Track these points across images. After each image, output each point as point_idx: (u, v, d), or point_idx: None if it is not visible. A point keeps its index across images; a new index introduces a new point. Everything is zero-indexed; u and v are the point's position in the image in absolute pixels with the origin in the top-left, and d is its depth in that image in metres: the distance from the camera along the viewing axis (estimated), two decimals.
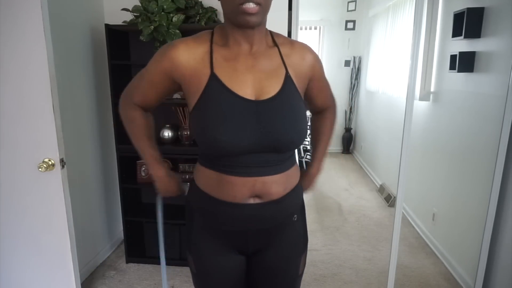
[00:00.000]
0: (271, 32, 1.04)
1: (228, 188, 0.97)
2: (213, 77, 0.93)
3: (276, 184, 0.99)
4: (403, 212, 2.15)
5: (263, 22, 0.95)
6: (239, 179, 0.96)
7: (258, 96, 0.94)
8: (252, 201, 0.99)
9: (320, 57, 1.09)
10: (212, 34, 0.99)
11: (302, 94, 1.03)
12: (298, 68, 1.01)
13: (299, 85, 1.01)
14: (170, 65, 0.96)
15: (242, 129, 0.91)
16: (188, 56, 0.95)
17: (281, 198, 1.01)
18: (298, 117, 0.97)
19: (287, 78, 0.98)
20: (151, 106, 1.09)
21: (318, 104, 1.18)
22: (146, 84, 1.03)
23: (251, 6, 0.87)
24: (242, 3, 0.87)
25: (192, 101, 0.95)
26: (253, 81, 0.95)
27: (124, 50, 2.45)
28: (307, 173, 1.25)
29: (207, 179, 1.01)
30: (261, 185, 0.97)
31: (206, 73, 0.94)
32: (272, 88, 0.95)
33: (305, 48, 1.05)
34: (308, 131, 1.83)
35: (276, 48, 1.01)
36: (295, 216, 1.09)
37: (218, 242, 1.06)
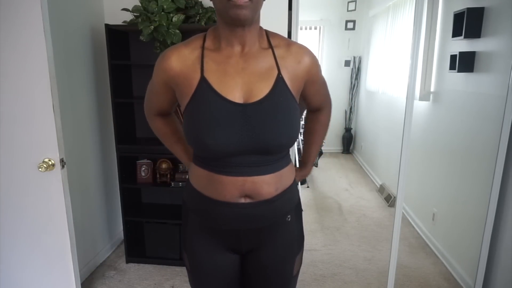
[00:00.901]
0: (267, 32, 1.02)
1: (218, 187, 0.98)
2: (203, 81, 0.94)
3: (267, 185, 0.99)
4: (403, 212, 2.15)
5: (254, 20, 0.94)
6: (228, 178, 0.97)
7: (247, 99, 0.94)
8: (243, 200, 0.99)
9: (320, 57, 1.10)
10: (205, 37, 1.00)
11: (297, 96, 1.01)
12: (293, 70, 0.99)
13: (294, 87, 0.99)
14: (166, 77, 1.00)
15: (230, 132, 0.92)
16: (180, 64, 0.97)
17: (273, 198, 1.01)
18: (288, 119, 0.96)
19: (279, 79, 0.96)
20: (170, 110, 1.17)
21: (312, 104, 1.17)
22: (155, 96, 1.10)
23: None
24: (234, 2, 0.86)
25: (183, 104, 0.97)
26: (242, 84, 0.94)
27: (124, 50, 2.45)
28: (300, 172, 1.30)
29: (199, 178, 1.03)
30: (250, 185, 0.97)
31: (197, 77, 0.94)
32: (261, 91, 0.94)
33: (303, 50, 1.02)
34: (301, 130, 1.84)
35: (270, 50, 0.99)
36: (289, 216, 1.08)
37: (212, 240, 1.07)
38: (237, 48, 0.97)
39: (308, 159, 1.30)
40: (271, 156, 0.98)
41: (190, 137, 0.96)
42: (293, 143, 1.01)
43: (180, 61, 0.97)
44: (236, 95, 0.94)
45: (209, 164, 0.99)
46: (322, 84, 1.14)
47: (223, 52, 0.97)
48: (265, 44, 1.00)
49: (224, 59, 0.96)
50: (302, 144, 1.32)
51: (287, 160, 1.05)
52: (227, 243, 1.07)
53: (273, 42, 1.00)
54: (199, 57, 0.97)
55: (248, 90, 0.94)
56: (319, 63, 1.09)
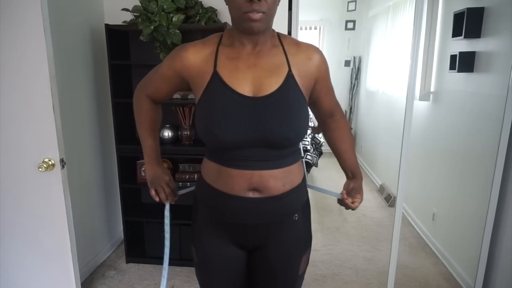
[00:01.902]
0: (278, 33, 1.07)
1: (227, 179, 1.01)
2: (215, 75, 0.99)
3: (274, 179, 1.01)
4: (403, 212, 2.15)
5: (268, 27, 0.99)
6: (236, 171, 1.00)
7: (256, 93, 0.98)
8: (251, 194, 1.02)
9: None
10: (221, 36, 1.05)
11: (306, 94, 1.04)
12: (303, 67, 1.02)
13: (303, 84, 1.02)
14: (180, 65, 1.03)
15: (237, 124, 0.96)
16: (196, 58, 1.02)
17: (281, 195, 1.03)
18: (296, 115, 0.99)
19: (289, 76, 1.00)
20: (161, 99, 1.17)
21: (325, 107, 1.16)
22: (159, 78, 1.11)
23: (255, 13, 0.91)
24: (247, 12, 0.91)
25: (197, 97, 1.02)
26: (253, 79, 0.98)
27: (124, 50, 2.45)
28: (355, 184, 1.21)
29: (209, 170, 1.07)
30: (258, 178, 1.00)
31: (210, 71, 1.00)
32: (271, 86, 0.98)
33: (312, 48, 1.07)
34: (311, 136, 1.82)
35: (280, 47, 1.03)
36: (296, 215, 1.10)
37: (220, 234, 1.09)
38: (249, 47, 1.01)
39: (351, 167, 1.22)
40: (278, 151, 1.00)
41: (201, 128, 1.00)
42: (301, 139, 1.04)
43: (197, 54, 1.02)
44: (245, 89, 0.98)
45: (219, 157, 1.03)
46: (331, 86, 1.15)
47: (236, 49, 1.01)
48: (276, 42, 1.04)
49: (236, 55, 1.01)
50: (339, 161, 1.25)
51: (295, 158, 1.07)
52: (234, 238, 1.09)
53: (283, 41, 1.05)
54: (213, 53, 1.02)
55: (258, 84, 0.98)
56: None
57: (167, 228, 1.16)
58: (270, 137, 0.97)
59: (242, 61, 1.00)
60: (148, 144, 1.18)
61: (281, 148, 1.01)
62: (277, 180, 1.02)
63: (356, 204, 1.17)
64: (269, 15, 0.94)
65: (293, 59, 1.02)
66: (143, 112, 1.18)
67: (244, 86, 0.98)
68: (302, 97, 1.01)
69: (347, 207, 1.18)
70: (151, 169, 1.17)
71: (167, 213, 1.17)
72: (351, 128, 5.65)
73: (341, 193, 1.16)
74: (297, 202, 1.09)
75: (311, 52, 1.05)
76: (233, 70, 0.99)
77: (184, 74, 1.04)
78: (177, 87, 1.11)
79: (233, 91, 0.97)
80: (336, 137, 1.22)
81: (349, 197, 1.18)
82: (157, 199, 1.17)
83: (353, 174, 1.23)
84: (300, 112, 1.00)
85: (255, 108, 0.96)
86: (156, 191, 1.17)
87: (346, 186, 1.21)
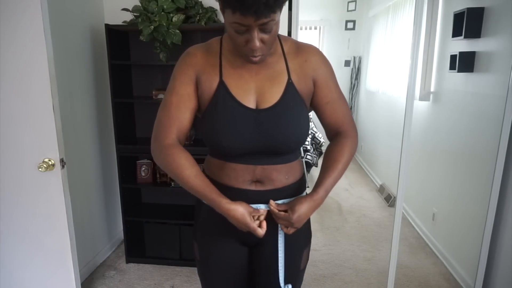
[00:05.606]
0: (279, 36, 1.05)
1: (230, 172, 1.03)
2: (221, 85, 1.00)
3: (277, 172, 1.04)
4: (403, 212, 2.15)
5: None
6: (240, 165, 1.03)
7: (259, 103, 1.01)
8: (254, 187, 1.04)
9: None
10: (221, 42, 1.05)
11: (307, 99, 1.05)
12: (300, 70, 1.04)
13: (302, 88, 1.03)
14: (193, 71, 1.02)
15: (242, 135, 0.99)
16: (203, 61, 1.03)
17: (283, 188, 1.06)
18: (297, 124, 1.02)
19: (289, 85, 1.02)
20: (186, 132, 1.03)
21: (327, 119, 1.08)
22: (177, 108, 1.00)
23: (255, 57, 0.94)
24: (247, 55, 0.94)
25: (203, 105, 1.02)
26: (256, 88, 1.01)
27: (124, 50, 2.45)
28: (309, 198, 1.00)
29: (212, 166, 1.09)
30: (261, 171, 1.03)
31: (216, 79, 1.01)
32: (273, 97, 1.01)
33: (311, 50, 1.06)
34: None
35: (281, 51, 1.05)
36: None
37: (222, 230, 1.09)
38: None
39: (320, 183, 1.01)
40: (280, 154, 1.05)
41: (207, 137, 1.02)
42: (302, 145, 1.08)
43: (203, 58, 1.03)
44: (250, 99, 1.01)
45: (223, 157, 1.05)
46: (338, 96, 1.08)
47: (239, 57, 1.01)
48: (277, 46, 1.05)
49: (240, 64, 1.02)
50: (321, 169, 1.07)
51: (295, 155, 1.11)
52: (236, 233, 1.08)
53: (284, 47, 1.06)
54: (217, 60, 1.03)
55: (260, 94, 1.01)
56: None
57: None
58: (274, 146, 1.01)
59: (245, 69, 1.01)
60: (212, 188, 0.98)
61: (284, 154, 1.04)
62: (280, 172, 1.04)
63: (289, 229, 1.02)
64: (270, 48, 0.95)
65: (291, 65, 1.03)
66: (188, 159, 0.98)
67: (249, 96, 1.00)
68: (302, 104, 1.03)
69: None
70: (234, 206, 0.96)
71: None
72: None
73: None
74: (297, 195, 1.10)
75: (308, 54, 1.05)
76: (237, 79, 1.01)
77: (197, 78, 1.00)
78: (197, 105, 1.03)
79: (239, 104, 0.99)
80: (332, 154, 1.06)
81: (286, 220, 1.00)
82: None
83: (315, 189, 1.02)
84: (301, 120, 1.03)
85: (259, 121, 0.99)
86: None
87: (293, 201, 1.01)
